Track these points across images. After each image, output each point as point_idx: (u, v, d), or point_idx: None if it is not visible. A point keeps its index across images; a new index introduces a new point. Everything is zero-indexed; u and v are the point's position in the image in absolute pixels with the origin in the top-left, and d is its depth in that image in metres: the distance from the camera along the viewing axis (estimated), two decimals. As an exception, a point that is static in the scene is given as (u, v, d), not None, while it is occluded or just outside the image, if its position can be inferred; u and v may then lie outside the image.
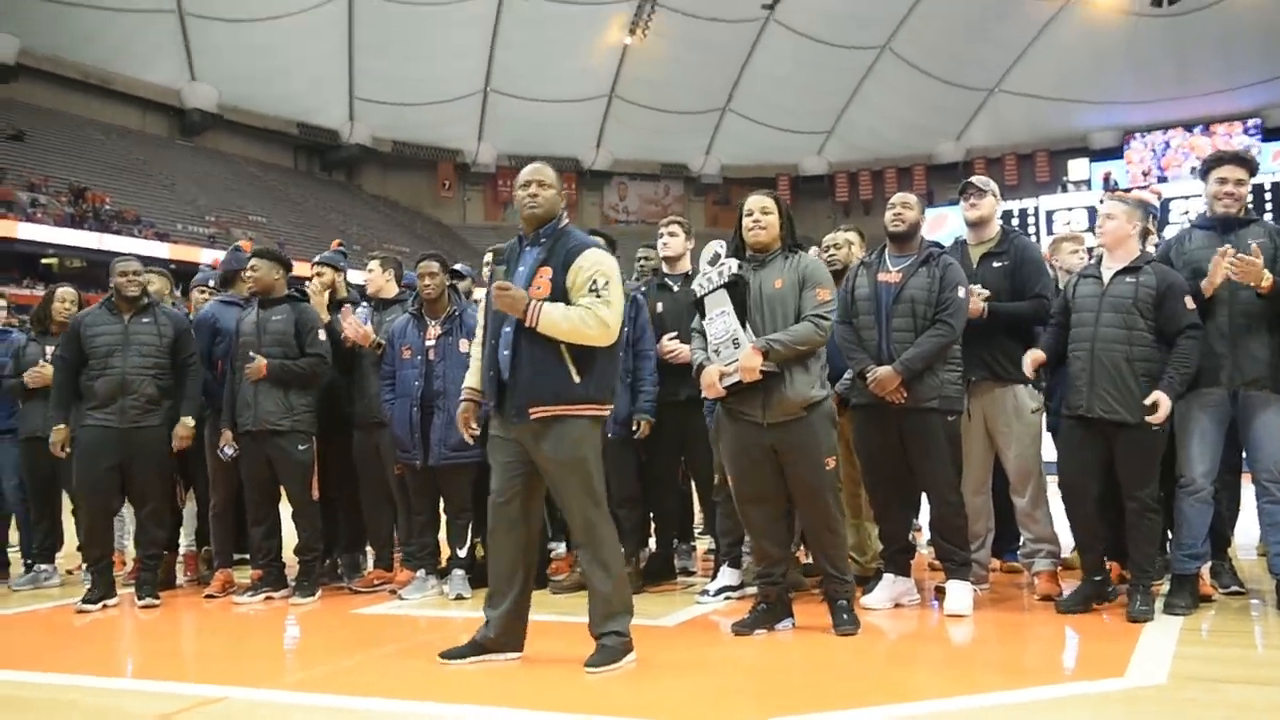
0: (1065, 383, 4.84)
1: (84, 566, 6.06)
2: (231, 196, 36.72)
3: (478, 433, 4.35)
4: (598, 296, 3.97)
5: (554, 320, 3.94)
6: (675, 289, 5.92)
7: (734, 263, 4.60)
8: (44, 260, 29.41)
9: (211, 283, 6.98)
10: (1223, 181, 4.77)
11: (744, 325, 4.48)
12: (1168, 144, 40.49)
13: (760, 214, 4.62)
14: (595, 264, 4.04)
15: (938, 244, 5.12)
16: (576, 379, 3.98)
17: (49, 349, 6.54)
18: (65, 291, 6.93)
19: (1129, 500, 4.65)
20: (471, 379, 4.35)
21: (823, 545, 4.62)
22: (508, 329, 4.04)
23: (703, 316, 4.67)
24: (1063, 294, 4.96)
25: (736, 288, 4.53)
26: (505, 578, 4.18)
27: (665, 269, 6.05)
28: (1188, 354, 4.55)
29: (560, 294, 4.00)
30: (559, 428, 3.99)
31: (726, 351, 4.50)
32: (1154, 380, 4.56)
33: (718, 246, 4.69)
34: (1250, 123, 39.26)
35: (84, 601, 5.77)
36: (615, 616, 4.07)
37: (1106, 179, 39.34)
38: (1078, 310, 4.77)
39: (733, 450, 4.63)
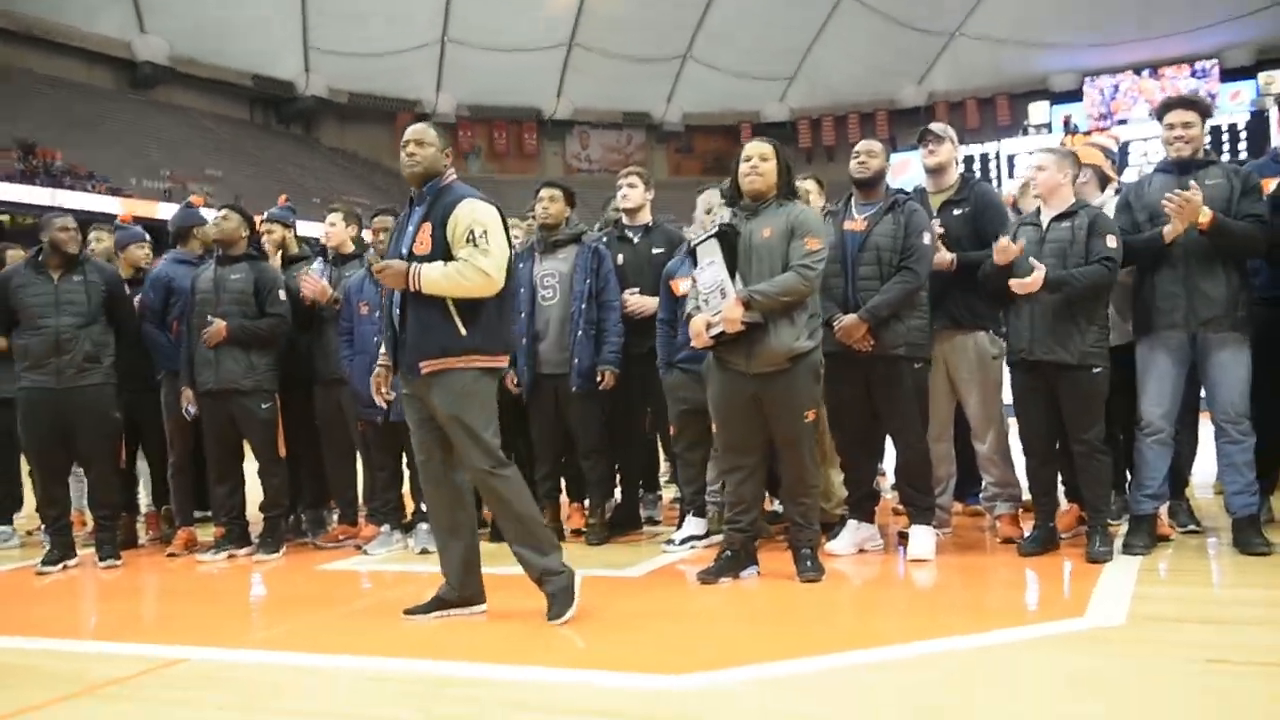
0: (1009, 330, 4.89)
1: (42, 527, 5.99)
2: (186, 150, 36.05)
3: (391, 397, 4.46)
4: (475, 247, 3.97)
5: (434, 279, 3.96)
6: (636, 241, 5.87)
7: (726, 212, 4.57)
8: (-6, 218, 28.86)
9: (147, 238, 6.83)
10: (1171, 126, 4.79)
11: (733, 275, 4.45)
12: (1117, 87, 40.57)
13: (759, 160, 4.58)
14: (470, 214, 4.03)
15: (903, 190, 5.09)
16: (463, 331, 3.99)
17: None
18: (15, 252, 6.81)
19: (1075, 443, 4.71)
20: (386, 346, 4.39)
21: (794, 494, 4.64)
22: (398, 292, 4.08)
23: (694, 266, 4.65)
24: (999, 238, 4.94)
25: (726, 237, 4.49)
26: (446, 531, 4.21)
27: (625, 220, 5.99)
28: (1091, 272, 4.60)
29: (441, 248, 4.01)
30: (445, 380, 4.01)
31: (714, 301, 4.48)
32: (1094, 323, 4.65)
33: (711, 195, 4.66)
34: (1199, 65, 39.35)
35: (43, 563, 5.71)
36: (542, 559, 4.09)
37: (1066, 122, 39.41)
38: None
39: (718, 398, 4.63)
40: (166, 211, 27.02)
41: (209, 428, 5.89)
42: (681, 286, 5.36)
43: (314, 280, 5.93)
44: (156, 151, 34.83)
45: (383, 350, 4.45)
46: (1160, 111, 4.93)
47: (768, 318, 4.41)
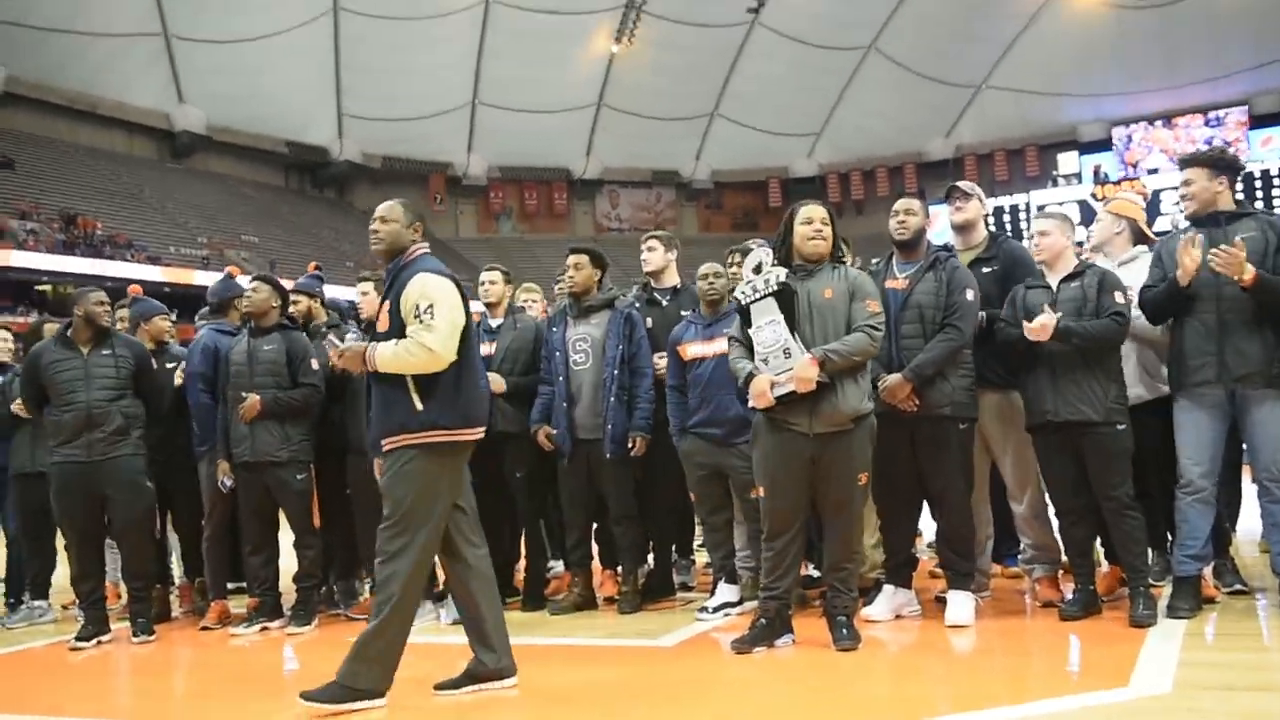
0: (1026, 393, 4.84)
1: (77, 602, 6.01)
2: (223, 217, 36.67)
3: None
4: (420, 322, 3.96)
5: (386, 359, 3.99)
6: (665, 303, 5.87)
7: (782, 271, 4.55)
8: (38, 287, 29.39)
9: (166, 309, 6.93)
10: (1177, 188, 4.79)
11: (794, 334, 4.44)
12: (1129, 138, 40.60)
13: (821, 224, 4.61)
14: (419, 289, 4.02)
15: (945, 247, 5.07)
16: (419, 407, 3.98)
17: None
18: (52, 327, 6.87)
19: (1105, 500, 4.64)
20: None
21: (839, 560, 4.58)
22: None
23: (746, 325, 4.61)
24: (1011, 303, 4.89)
25: (784, 296, 4.48)
26: (466, 608, 4.18)
27: (653, 283, 6.00)
28: (1101, 325, 4.62)
29: (398, 325, 4.04)
30: (392, 458, 4.02)
31: (776, 361, 4.45)
32: (1113, 379, 4.66)
33: (762, 254, 4.65)
34: (1211, 115, 39.35)
35: (77, 639, 5.70)
36: (357, 667, 3.95)
37: (1096, 171, 39.40)
38: (1031, 319, 4.72)
39: (772, 460, 4.56)
40: (203, 278, 27.44)
41: (244, 499, 5.91)
42: (690, 350, 5.35)
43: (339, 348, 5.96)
44: (194, 219, 35.45)
45: None
46: (1179, 167, 4.93)
47: (833, 379, 4.38)
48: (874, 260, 5.40)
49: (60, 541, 6.59)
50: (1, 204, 29.85)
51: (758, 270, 4.58)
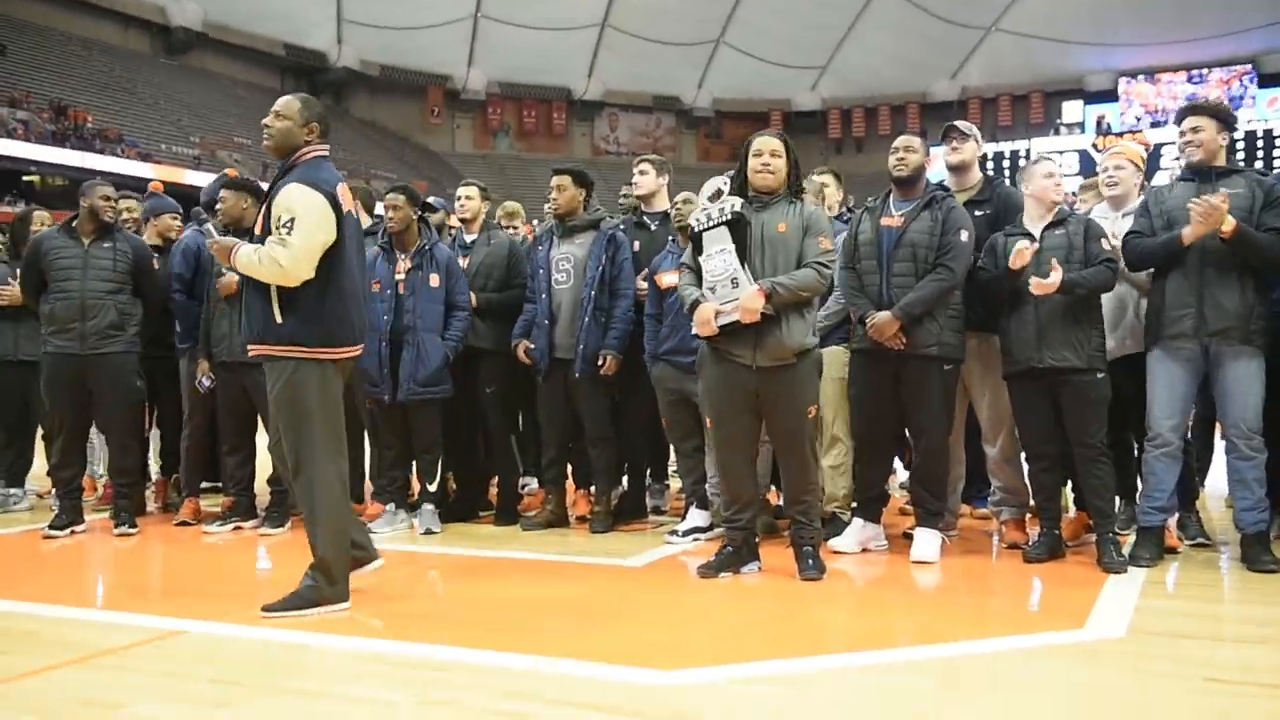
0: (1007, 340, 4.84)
1: (53, 491, 6.04)
2: (216, 117, 36.21)
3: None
4: (278, 235, 3.90)
5: (245, 262, 3.96)
6: (653, 228, 5.85)
7: (737, 201, 4.50)
8: (25, 177, 29.05)
9: (179, 209, 6.86)
10: (1183, 133, 4.76)
11: (744, 265, 4.41)
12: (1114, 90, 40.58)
13: (770, 156, 4.55)
14: (284, 201, 3.95)
15: (942, 186, 5.04)
16: (279, 319, 3.96)
17: (19, 271, 6.45)
18: (41, 215, 6.86)
19: (1080, 447, 4.68)
20: None
21: (796, 492, 4.61)
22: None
23: (698, 252, 4.56)
24: (991, 251, 4.88)
25: (738, 226, 4.44)
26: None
27: (643, 207, 5.96)
28: (1097, 273, 4.65)
29: (267, 230, 3.98)
30: (269, 366, 4.04)
31: (723, 290, 4.42)
32: (1095, 327, 4.70)
33: (720, 182, 4.60)
34: (1194, 73, 39.13)
35: (51, 527, 5.76)
36: (314, 576, 4.01)
37: (1100, 122, 39.13)
38: None
39: (716, 391, 4.57)
40: (194, 178, 27.19)
41: (223, 399, 5.92)
42: (666, 279, 5.34)
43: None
44: (187, 117, 34.99)
45: None
46: (1177, 118, 4.90)
47: (779, 311, 4.37)
48: (870, 198, 5.37)
49: (39, 431, 6.62)
50: (-8, 91, 29.38)
51: (714, 198, 4.53)
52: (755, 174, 4.54)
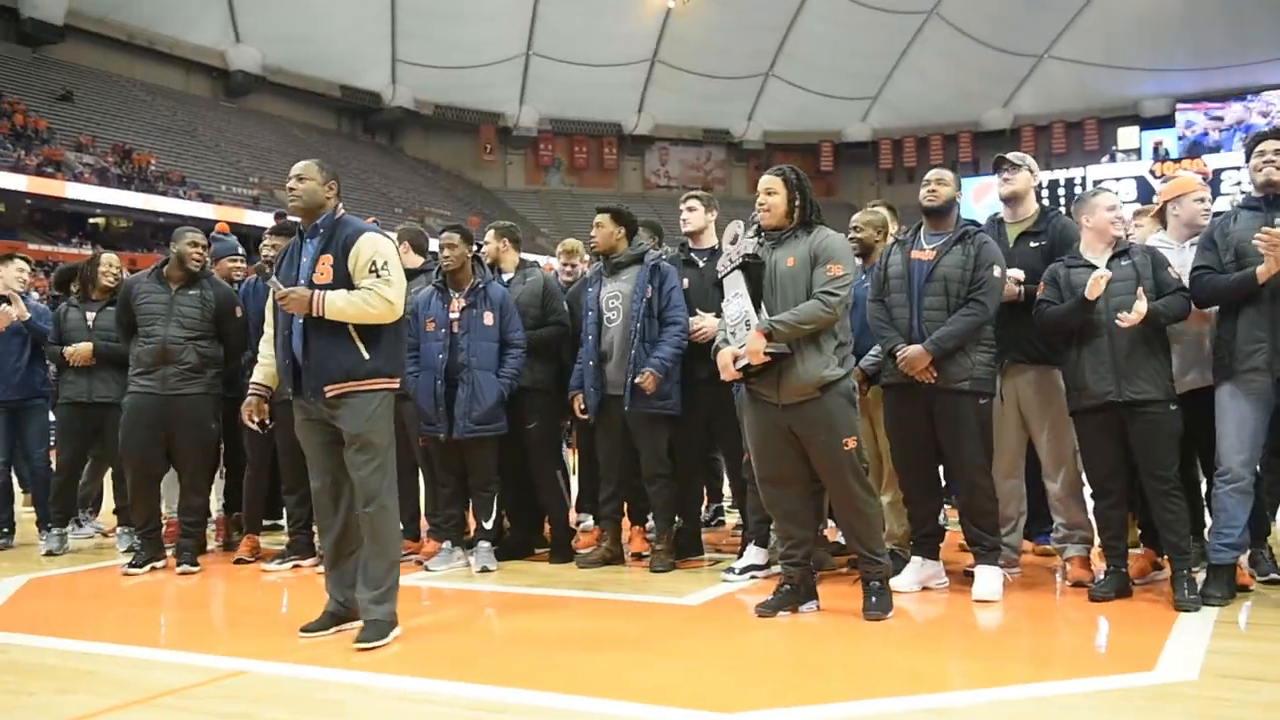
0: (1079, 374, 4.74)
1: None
2: (275, 158, 36.92)
3: (262, 421, 4.68)
4: (379, 277, 4.19)
5: (339, 307, 4.15)
6: (701, 264, 5.84)
7: (752, 242, 4.52)
8: (91, 220, 29.80)
9: (240, 251, 6.97)
10: (1262, 153, 4.64)
11: (758, 306, 4.41)
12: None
13: (765, 195, 4.54)
14: (373, 246, 4.25)
15: (974, 222, 5.01)
16: (365, 355, 4.21)
17: (90, 315, 6.60)
18: (110, 258, 6.94)
19: (1153, 481, 4.57)
20: (259, 375, 4.63)
21: (851, 525, 4.56)
22: (299, 320, 4.25)
23: (720, 298, 4.61)
24: (1053, 283, 4.78)
25: (750, 268, 4.46)
26: (334, 551, 4.41)
27: (690, 244, 5.96)
28: (1176, 302, 4.61)
29: (343, 278, 4.22)
30: (353, 402, 4.20)
31: (740, 333, 4.44)
32: (1166, 356, 4.64)
33: (736, 227, 4.63)
34: (1250, 96, 38.57)
35: (131, 565, 5.88)
36: (383, 602, 4.20)
37: (1156, 148, 38.63)
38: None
39: (753, 431, 4.59)
40: (254, 218, 27.73)
41: (281, 438, 5.97)
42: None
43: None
44: (246, 159, 35.72)
45: (254, 380, 4.64)
46: (1251, 144, 4.78)
47: (793, 347, 4.34)
48: (901, 227, 5.32)
49: (108, 471, 6.74)
50: (60, 136, 30.19)
51: (734, 242, 4.56)
52: (756, 212, 4.58)
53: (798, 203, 4.52)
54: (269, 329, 4.54)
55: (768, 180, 4.58)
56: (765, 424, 4.50)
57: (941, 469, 5.20)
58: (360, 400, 4.19)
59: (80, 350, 6.46)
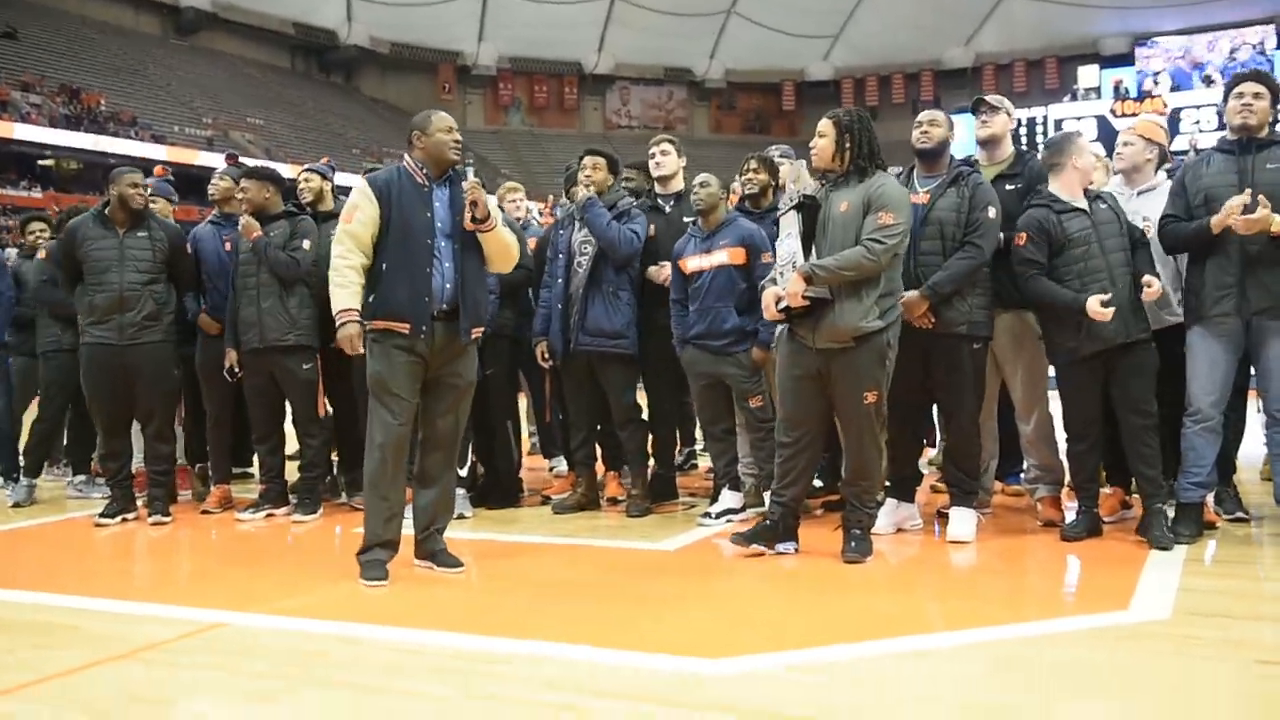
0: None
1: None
2: (228, 98, 36.19)
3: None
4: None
5: (503, 234, 4.47)
6: (668, 210, 5.79)
7: (814, 183, 4.51)
8: (41, 161, 29.13)
9: (175, 197, 6.88)
10: (1241, 95, 4.65)
11: (808, 248, 4.40)
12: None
13: (818, 136, 4.51)
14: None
15: (967, 162, 4.96)
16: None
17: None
18: (37, 225, 7.15)
19: (1136, 416, 4.62)
20: (352, 300, 4.28)
21: (853, 476, 4.58)
22: (446, 260, 4.31)
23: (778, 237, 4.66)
24: (1040, 230, 4.71)
25: (806, 209, 4.44)
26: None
27: (658, 189, 5.91)
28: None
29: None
30: (472, 350, 4.50)
31: (788, 274, 4.45)
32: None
33: (799, 167, 4.63)
34: (1212, 35, 38.78)
35: (102, 515, 5.81)
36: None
37: (1117, 86, 38.70)
38: (1076, 245, 4.65)
39: (783, 369, 4.59)
40: (207, 159, 27.19)
41: (251, 384, 5.92)
42: (690, 264, 5.31)
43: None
44: (199, 99, 34.98)
45: (350, 305, 4.26)
46: (1231, 84, 4.78)
47: (835, 293, 4.32)
48: (891, 170, 5.30)
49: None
50: (4, 75, 29.40)
51: (795, 182, 4.56)
52: (810, 155, 4.56)
53: (848, 145, 4.44)
54: (355, 256, 4.28)
55: (821, 123, 4.54)
56: (796, 364, 4.50)
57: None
58: (475, 348, 4.45)
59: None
